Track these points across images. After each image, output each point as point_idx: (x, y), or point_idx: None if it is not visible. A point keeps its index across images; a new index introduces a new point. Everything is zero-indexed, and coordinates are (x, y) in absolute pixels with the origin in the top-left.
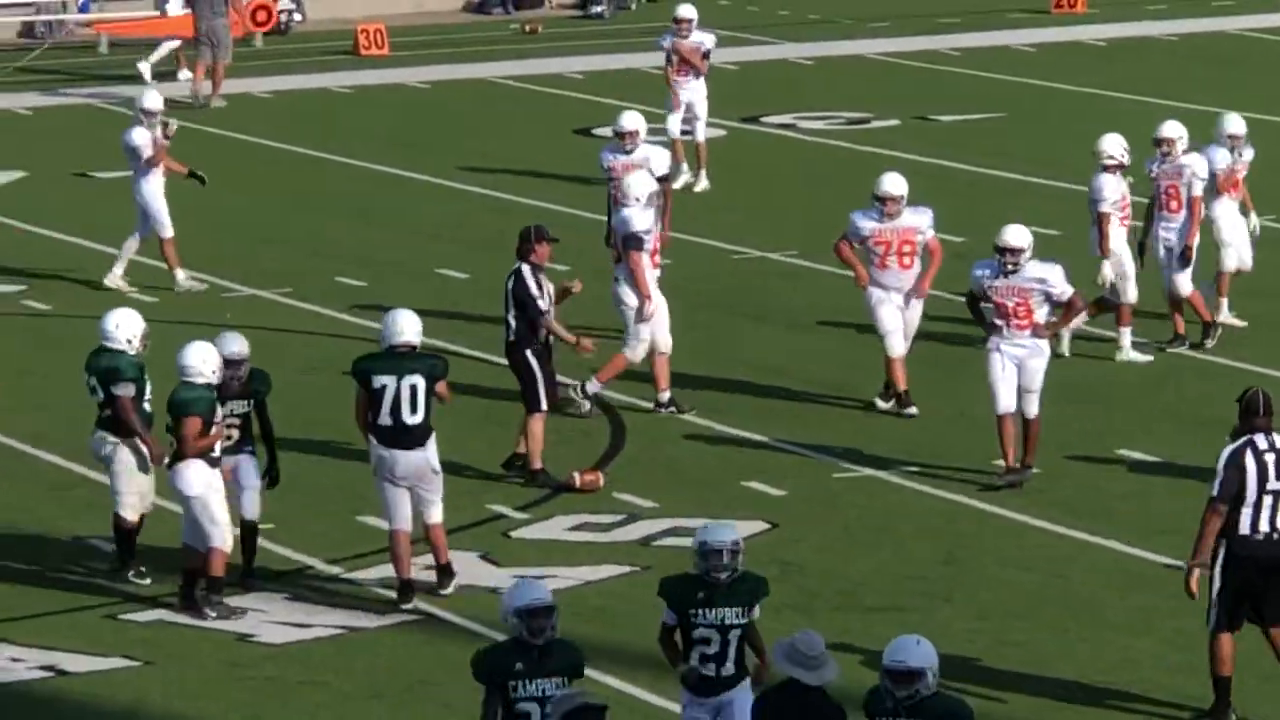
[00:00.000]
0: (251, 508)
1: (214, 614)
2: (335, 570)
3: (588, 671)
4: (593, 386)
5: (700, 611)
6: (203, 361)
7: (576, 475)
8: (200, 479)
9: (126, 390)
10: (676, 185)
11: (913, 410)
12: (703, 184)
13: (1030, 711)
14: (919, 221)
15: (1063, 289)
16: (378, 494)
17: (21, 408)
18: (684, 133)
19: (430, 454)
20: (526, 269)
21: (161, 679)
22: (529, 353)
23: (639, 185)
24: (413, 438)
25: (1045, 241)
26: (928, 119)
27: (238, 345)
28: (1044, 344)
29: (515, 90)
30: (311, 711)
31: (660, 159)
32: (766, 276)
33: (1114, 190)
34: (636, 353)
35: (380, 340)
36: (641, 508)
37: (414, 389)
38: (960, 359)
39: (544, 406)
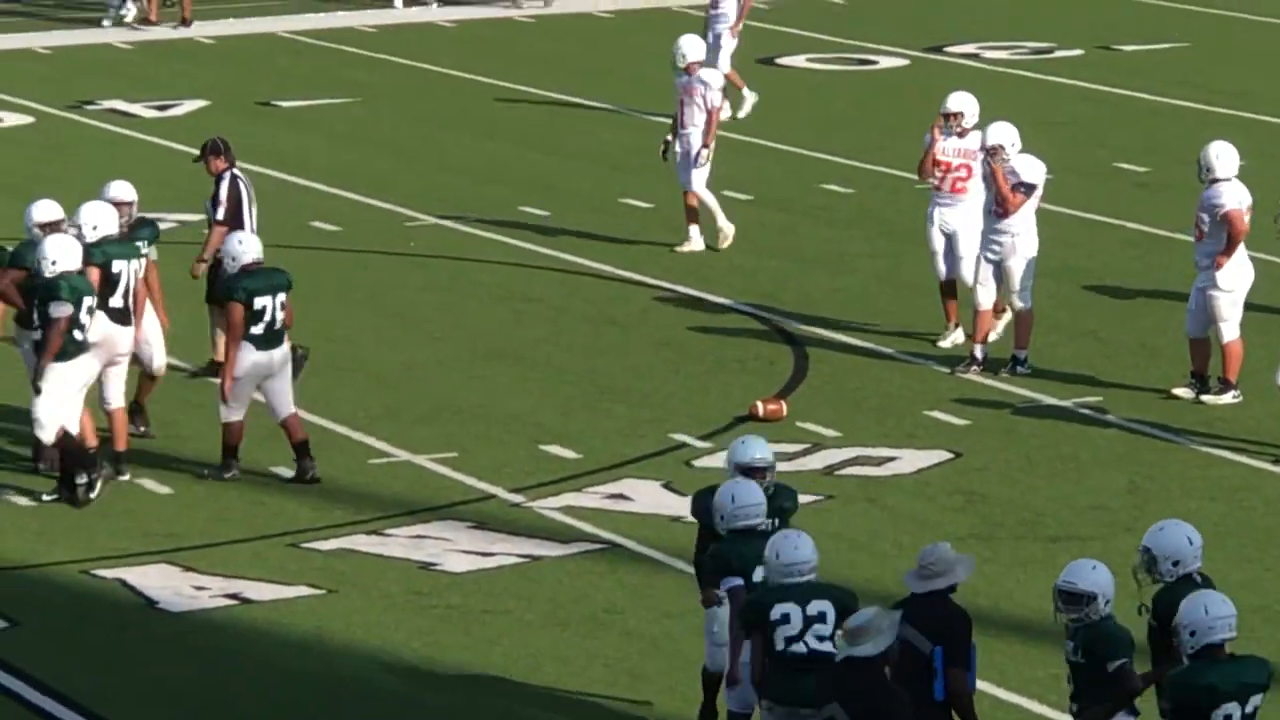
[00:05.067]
0: None
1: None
2: (518, 499)
3: None
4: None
5: None
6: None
7: (760, 404)
8: None
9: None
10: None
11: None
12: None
13: None
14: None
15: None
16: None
17: (205, 338)
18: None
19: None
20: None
21: (344, 607)
22: None
23: None
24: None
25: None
26: (1111, 48)
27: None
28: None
29: (696, 19)
30: (494, 640)
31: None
32: None
33: None
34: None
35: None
36: (824, 436)
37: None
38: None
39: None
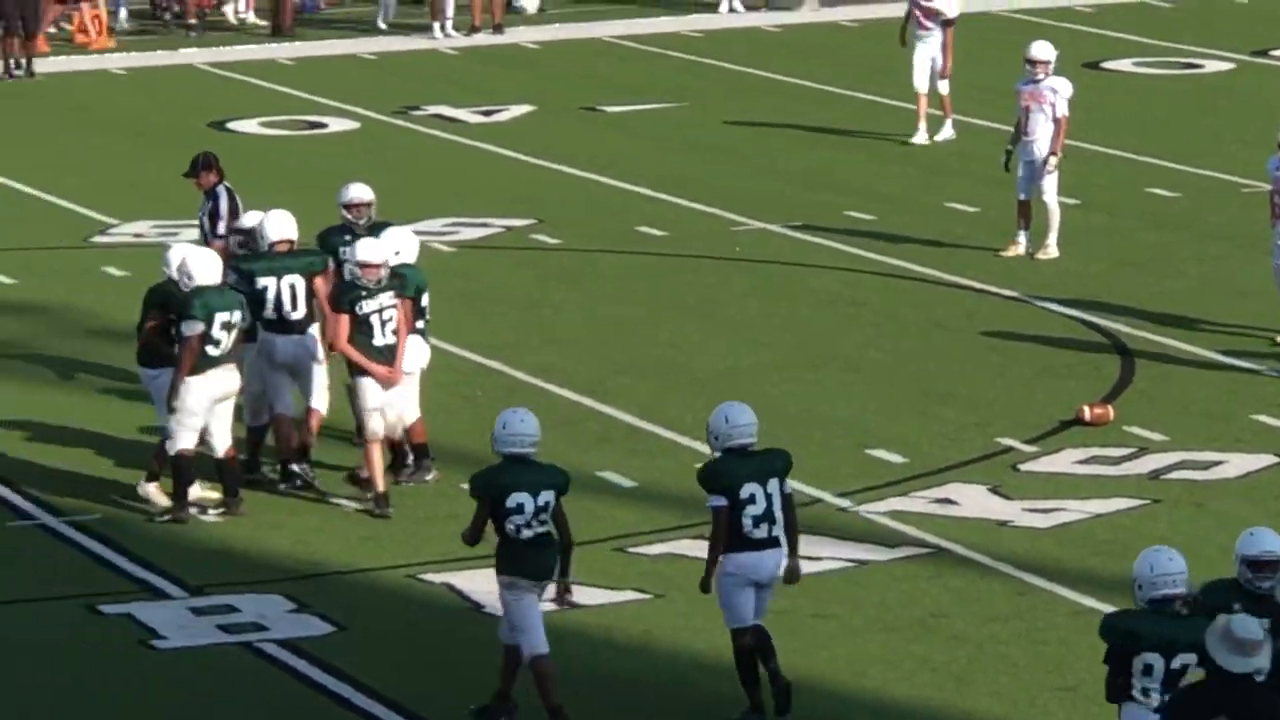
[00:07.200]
0: None
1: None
2: (845, 504)
3: (1095, 604)
4: None
5: None
6: None
7: (1086, 409)
8: None
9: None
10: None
11: None
12: (946, 133)
13: None
14: None
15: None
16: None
17: (531, 342)
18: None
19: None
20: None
21: (671, 611)
22: None
23: None
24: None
25: None
26: None
27: None
28: None
29: (1030, 25)
30: (821, 644)
31: None
32: None
33: None
34: None
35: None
36: (1151, 441)
37: (293, 287)
38: None
39: None
